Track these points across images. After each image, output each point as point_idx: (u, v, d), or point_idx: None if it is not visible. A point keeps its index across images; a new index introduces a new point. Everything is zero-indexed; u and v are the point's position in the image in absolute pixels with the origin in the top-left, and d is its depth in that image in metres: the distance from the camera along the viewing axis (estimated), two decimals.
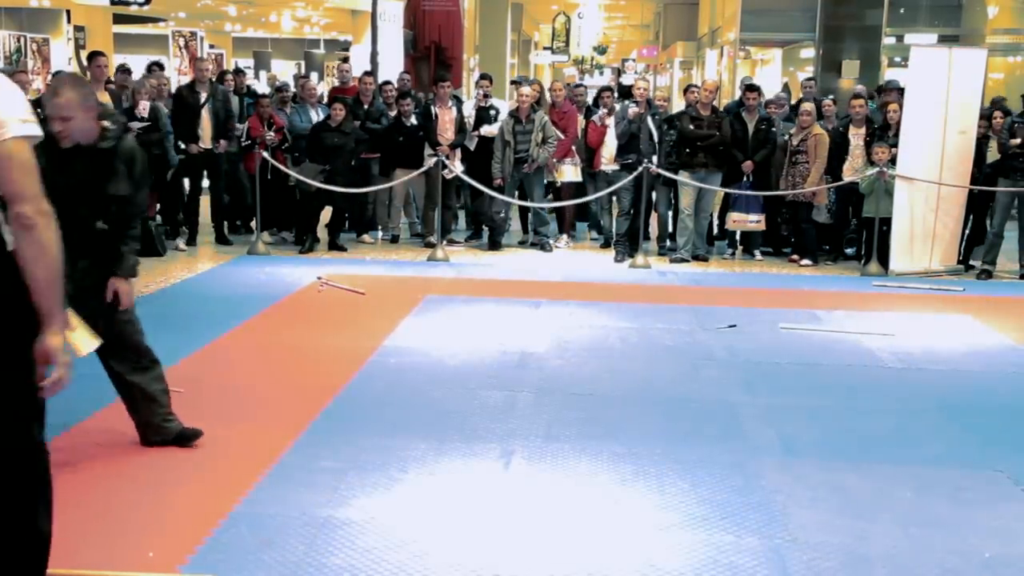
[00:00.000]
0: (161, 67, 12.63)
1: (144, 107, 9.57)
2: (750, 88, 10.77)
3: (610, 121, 10.62)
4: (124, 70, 11.26)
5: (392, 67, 14.12)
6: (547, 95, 11.61)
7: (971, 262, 10.04)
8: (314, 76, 22.97)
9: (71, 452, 4.48)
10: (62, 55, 22.13)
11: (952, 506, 4.19)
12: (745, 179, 10.32)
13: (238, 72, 12.66)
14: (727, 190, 10.38)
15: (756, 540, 3.80)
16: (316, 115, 10.74)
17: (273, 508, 3.96)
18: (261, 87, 18.47)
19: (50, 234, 2.66)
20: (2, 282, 2.65)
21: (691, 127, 10.12)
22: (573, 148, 10.99)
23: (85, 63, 11.66)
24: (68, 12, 22.89)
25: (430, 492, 4.18)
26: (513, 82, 14.71)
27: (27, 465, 2.77)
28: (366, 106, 11.03)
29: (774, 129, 10.45)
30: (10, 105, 2.67)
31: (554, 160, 10.77)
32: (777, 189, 10.18)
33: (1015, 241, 9.94)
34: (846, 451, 4.81)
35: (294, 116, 10.79)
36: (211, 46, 24.30)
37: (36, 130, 2.72)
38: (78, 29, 23.47)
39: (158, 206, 10.47)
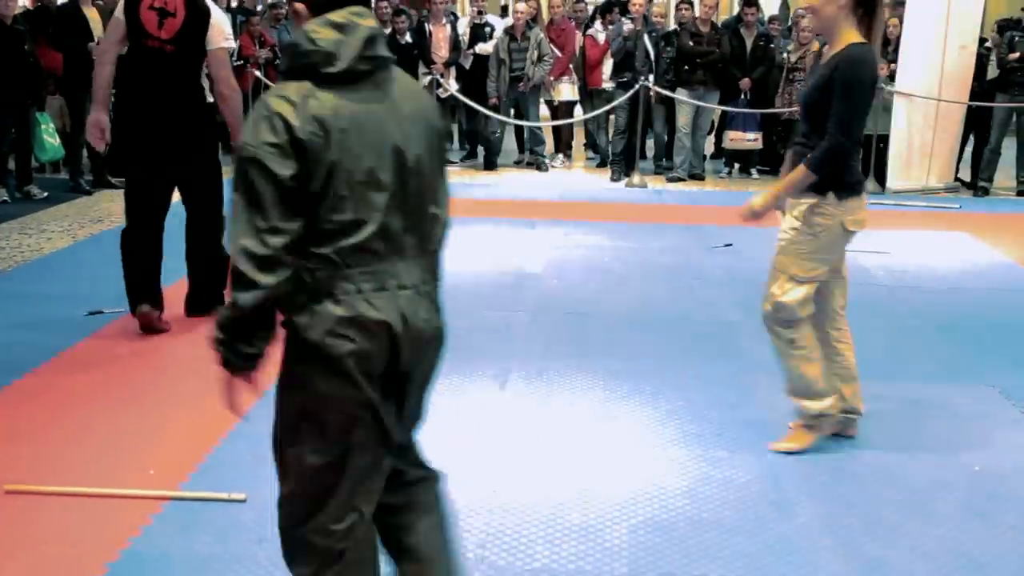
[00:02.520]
0: None
1: None
2: (748, 3, 10.62)
3: (600, 38, 10.50)
4: None
5: None
6: (544, 12, 11.45)
7: (980, 183, 9.89)
8: None
9: (71, 373, 4.51)
10: None
11: (944, 421, 4.24)
12: (743, 96, 10.22)
13: None
14: (725, 108, 10.29)
15: (751, 455, 3.85)
16: None
17: (269, 426, 3.98)
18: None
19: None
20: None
21: (690, 43, 9.99)
22: (571, 66, 10.87)
23: None
24: None
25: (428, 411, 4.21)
26: None
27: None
28: None
29: (772, 46, 10.33)
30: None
31: (551, 79, 10.66)
32: (774, 107, 10.10)
33: (1014, 158, 9.90)
34: None
35: (283, 33, 10.64)
36: None
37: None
38: None
39: None
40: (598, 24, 10.73)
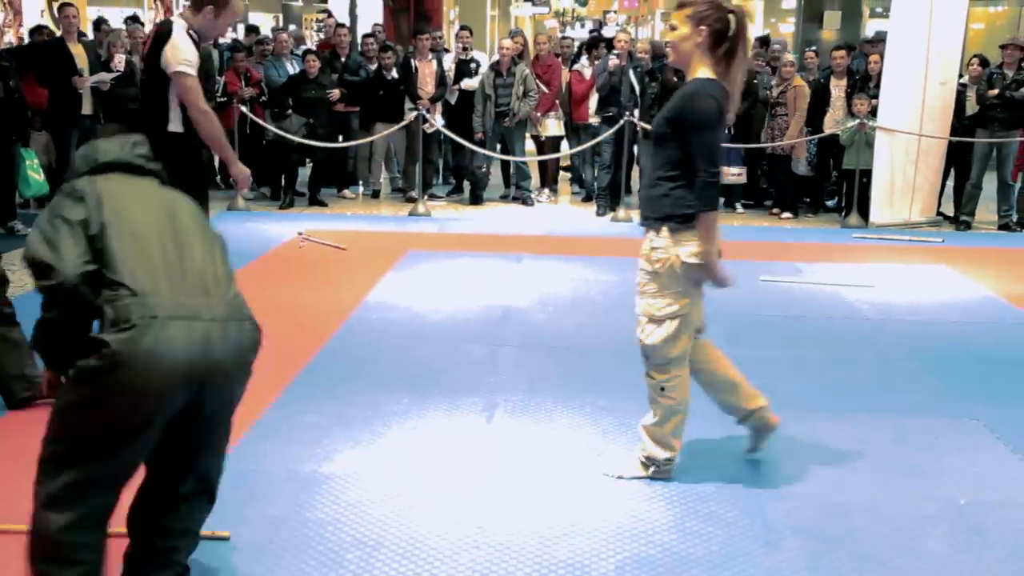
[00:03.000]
0: (139, 21, 12.44)
1: (119, 60, 9.46)
2: None
3: (587, 74, 10.57)
4: (101, 24, 11.09)
5: (370, 19, 13.98)
6: (531, 48, 11.53)
7: (963, 217, 9.98)
8: (292, 29, 22.69)
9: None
10: (35, 7, 21.74)
11: (929, 454, 4.25)
12: (726, 131, 10.29)
13: None
14: None
15: (737, 490, 3.84)
16: (292, 68, 10.64)
17: (256, 463, 3.97)
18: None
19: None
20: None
21: (675, 79, 10.06)
22: (557, 102, 10.95)
23: (56, 15, 11.47)
24: None
25: (413, 446, 4.21)
26: (512, 34, 14.62)
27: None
28: (343, 59, 10.93)
29: (755, 81, 10.42)
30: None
31: (538, 114, 10.73)
32: (758, 142, 10.18)
33: (995, 192, 9.99)
34: (825, 401, 4.86)
35: (270, 69, 10.68)
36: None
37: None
38: None
39: None
40: (584, 59, 10.82)
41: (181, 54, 4.96)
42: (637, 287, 3.83)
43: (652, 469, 3.93)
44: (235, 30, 25.36)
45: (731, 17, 3.65)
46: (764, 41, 10.75)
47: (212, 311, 2.59)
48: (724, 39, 3.65)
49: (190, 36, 5.05)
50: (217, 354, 2.58)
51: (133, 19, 12.57)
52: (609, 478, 3.91)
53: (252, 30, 12.81)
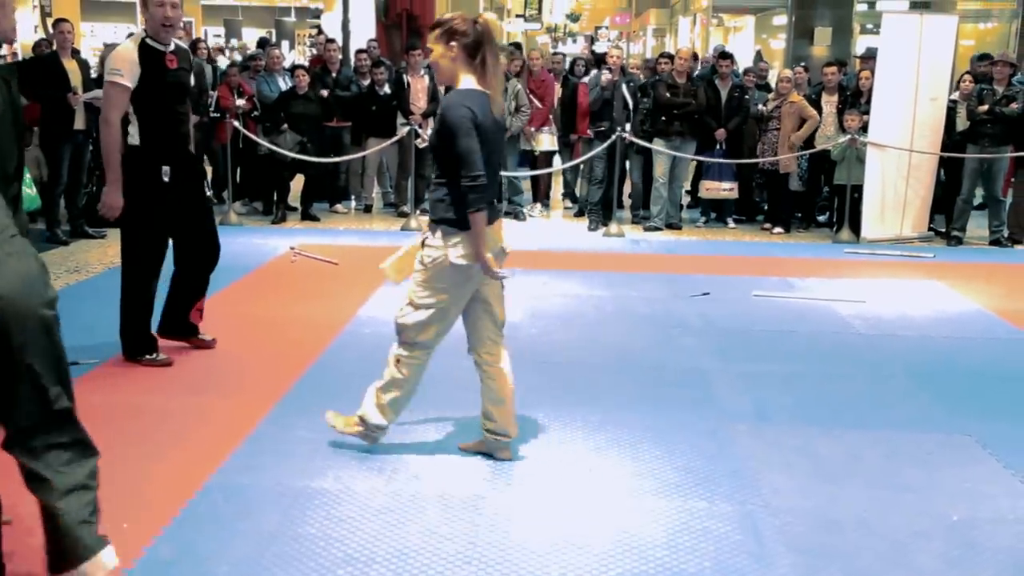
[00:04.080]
0: None
1: None
2: (723, 56, 10.78)
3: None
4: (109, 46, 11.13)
5: (363, 35, 14.01)
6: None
7: (954, 232, 10.01)
8: (285, 45, 22.74)
9: None
10: (28, 22, 21.77)
11: (921, 470, 4.25)
12: (718, 147, 10.33)
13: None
14: (700, 158, 10.39)
15: (729, 506, 3.84)
16: (284, 83, 10.66)
17: (248, 478, 3.96)
18: (223, 62, 18.26)
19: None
20: None
21: (667, 95, 10.11)
22: (550, 117, 10.97)
23: (51, 30, 11.46)
24: None
25: (405, 461, 4.20)
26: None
27: None
28: (333, 74, 10.95)
29: (747, 97, 10.47)
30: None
31: (532, 129, 10.75)
32: (752, 157, 10.21)
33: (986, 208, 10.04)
34: (818, 417, 4.86)
35: (262, 85, 10.69)
36: None
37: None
38: None
39: None
40: (595, 73, 10.83)
41: (112, 63, 5.10)
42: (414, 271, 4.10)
43: (361, 429, 4.21)
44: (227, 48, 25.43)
45: (477, 28, 3.92)
46: (724, 55, 10.79)
47: None
48: (476, 50, 3.91)
49: (147, 45, 5.09)
50: None
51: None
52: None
53: (261, 44, 12.82)
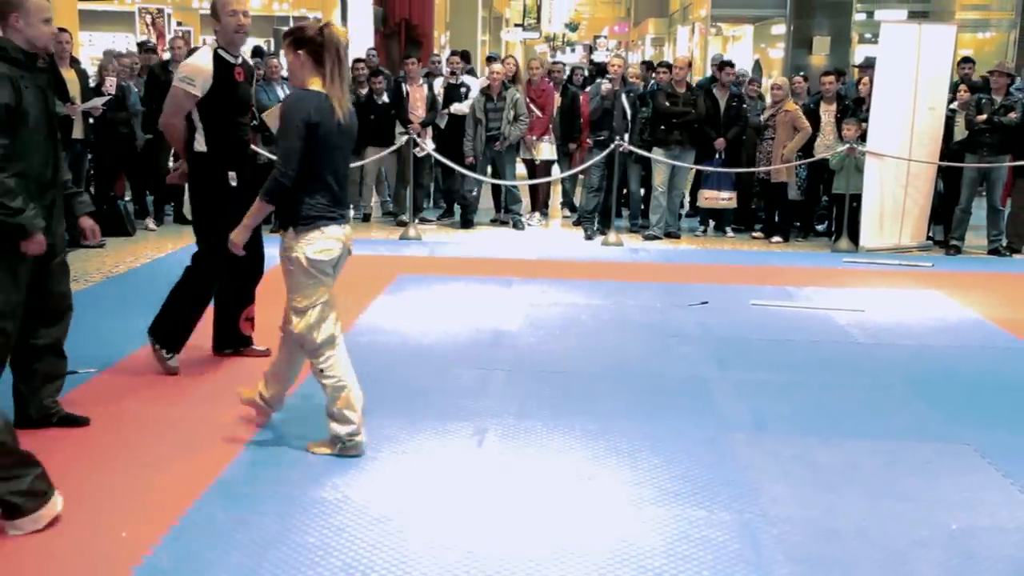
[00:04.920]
0: (153, 50, 12.45)
1: (111, 84, 9.47)
2: (723, 65, 10.80)
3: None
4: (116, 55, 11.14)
5: (362, 44, 14.03)
6: (523, 72, 11.56)
7: (952, 242, 10.01)
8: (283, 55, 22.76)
9: (41, 434, 4.45)
10: None
11: (920, 479, 4.25)
12: (717, 156, 10.35)
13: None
14: (699, 167, 10.40)
15: (728, 515, 3.84)
16: (282, 92, 10.66)
17: (246, 487, 3.95)
18: None
19: None
20: None
21: (666, 104, 10.13)
22: (550, 126, 10.98)
23: None
24: None
25: (404, 470, 4.19)
26: (489, 59, 14.70)
27: None
28: None
29: (745, 106, 10.49)
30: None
31: (532, 137, 10.76)
32: (751, 166, 10.23)
33: (984, 217, 10.05)
34: (816, 426, 4.86)
35: (260, 94, 10.69)
36: (178, 23, 23.96)
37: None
38: None
39: (127, 185, 10.38)
40: (596, 81, 10.85)
41: (183, 70, 5.25)
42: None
43: (339, 446, 4.29)
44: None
45: (323, 37, 4.13)
46: (725, 64, 10.85)
47: None
48: (322, 56, 4.13)
49: (220, 56, 5.24)
50: None
51: (143, 46, 12.65)
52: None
53: (256, 53, 12.84)
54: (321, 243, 4.16)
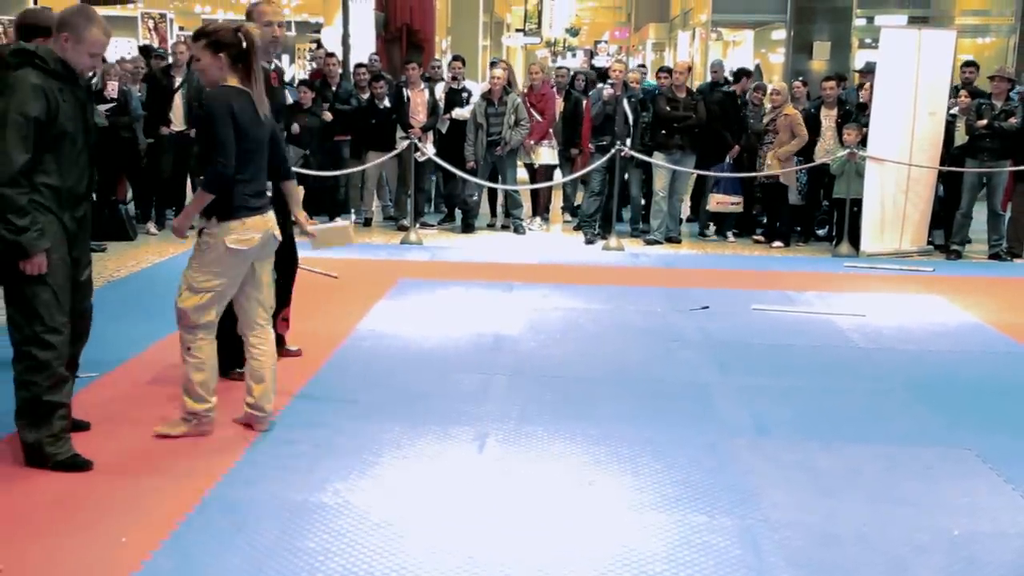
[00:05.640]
0: (161, 55, 12.44)
1: (112, 88, 9.48)
2: (742, 73, 10.95)
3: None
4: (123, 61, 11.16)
5: (363, 49, 14.04)
6: (521, 77, 11.57)
7: (953, 246, 10.02)
8: (285, 59, 22.78)
9: None
10: None
11: (921, 484, 4.24)
12: (728, 161, 10.36)
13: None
14: (702, 172, 10.41)
15: (729, 520, 3.83)
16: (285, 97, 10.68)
17: (246, 492, 3.95)
18: None
19: None
20: None
21: (667, 109, 10.14)
22: (551, 130, 10.99)
23: None
24: None
25: (404, 475, 4.19)
26: (492, 63, 14.72)
27: None
28: (333, 88, 10.97)
29: (746, 112, 10.50)
30: None
31: (531, 142, 10.77)
32: (753, 171, 10.24)
33: (984, 222, 10.05)
34: (817, 431, 4.85)
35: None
36: (180, 28, 24.01)
37: None
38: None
39: (129, 189, 10.39)
40: (598, 86, 10.86)
41: None
42: (190, 258, 4.43)
43: (193, 423, 4.48)
44: None
45: (241, 38, 4.28)
46: (742, 72, 10.94)
47: None
48: (240, 58, 4.29)
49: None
50: None
51: (147, 50, 12.65)
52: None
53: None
54: (241, 233, 4.32)
